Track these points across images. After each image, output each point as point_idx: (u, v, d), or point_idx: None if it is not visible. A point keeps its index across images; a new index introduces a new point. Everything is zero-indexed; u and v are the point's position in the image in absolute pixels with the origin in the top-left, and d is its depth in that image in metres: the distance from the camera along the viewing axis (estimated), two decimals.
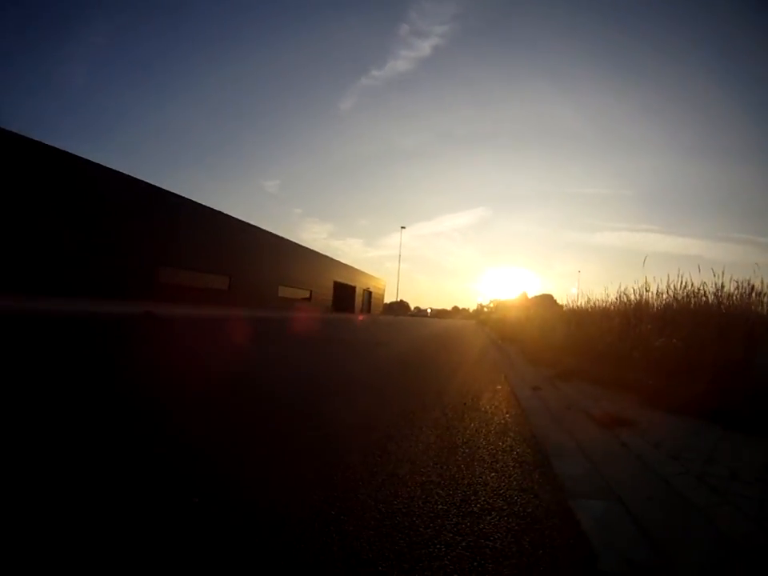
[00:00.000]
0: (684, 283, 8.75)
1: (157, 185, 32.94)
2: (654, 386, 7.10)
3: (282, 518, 2.52)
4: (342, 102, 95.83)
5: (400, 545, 2.33)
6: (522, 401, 7.29)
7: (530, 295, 26.34)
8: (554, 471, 3.69)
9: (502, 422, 5.33)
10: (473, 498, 2.98)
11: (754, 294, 7.75)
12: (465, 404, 6.12)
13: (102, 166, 28.05)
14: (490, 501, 2.95)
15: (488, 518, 2.70)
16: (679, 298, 8.78)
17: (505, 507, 2.85)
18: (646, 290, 9.82)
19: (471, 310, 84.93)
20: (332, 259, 65.35)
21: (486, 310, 57.25)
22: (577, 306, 15.28)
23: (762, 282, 7.75)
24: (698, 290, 8.34)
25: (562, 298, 18.44)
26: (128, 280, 28.16)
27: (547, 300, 21.82)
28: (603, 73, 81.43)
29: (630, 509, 2.88)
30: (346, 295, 67.79)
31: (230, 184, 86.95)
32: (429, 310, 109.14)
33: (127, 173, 29.98)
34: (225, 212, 41.39)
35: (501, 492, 3.12)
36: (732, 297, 7.80)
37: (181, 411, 4.73)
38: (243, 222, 44.27)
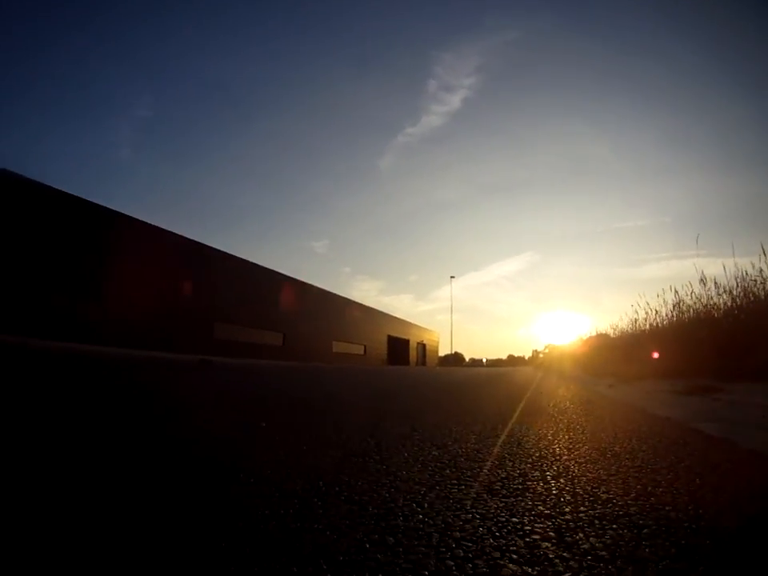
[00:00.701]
0: (742, 275, 8.83)
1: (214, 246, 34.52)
2: (724, 365, 7.24)
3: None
4: (381, 161, 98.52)
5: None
6: (602, 392, 7.44)
7: (585, 337, 25.76)
8: (661, 415, 4.06)
9: (604, 411, 5.43)
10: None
11: None
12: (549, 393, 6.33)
13: (163, 229, 29.71)
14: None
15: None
16: (735, 293, 8.85)
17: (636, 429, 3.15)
18: (703, 283, 9.76)
19: (527, 357, 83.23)
20: (385, 314, 65.84)
21: (541, 356, 56.14)
22: (635, 327, 15.02)
23: None
24: (754, 279, 8.39)
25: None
26: (186, 334, 29.12)
27: (603, 338, 21.57)
28: (630, 102, 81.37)
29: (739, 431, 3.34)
30: (401, 349, 67.77)
31: (281, 246, 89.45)
32: (484, 360, 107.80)
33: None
34: (279, 271, 42.64)
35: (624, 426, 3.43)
36: None
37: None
38: (296, 279, 45.42)
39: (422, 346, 78.04)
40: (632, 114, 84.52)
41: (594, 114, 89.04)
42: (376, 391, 7.72)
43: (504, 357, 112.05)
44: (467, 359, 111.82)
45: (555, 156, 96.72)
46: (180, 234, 31.61)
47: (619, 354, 14.69)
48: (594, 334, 23.04)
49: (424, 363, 74.83)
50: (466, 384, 11.40)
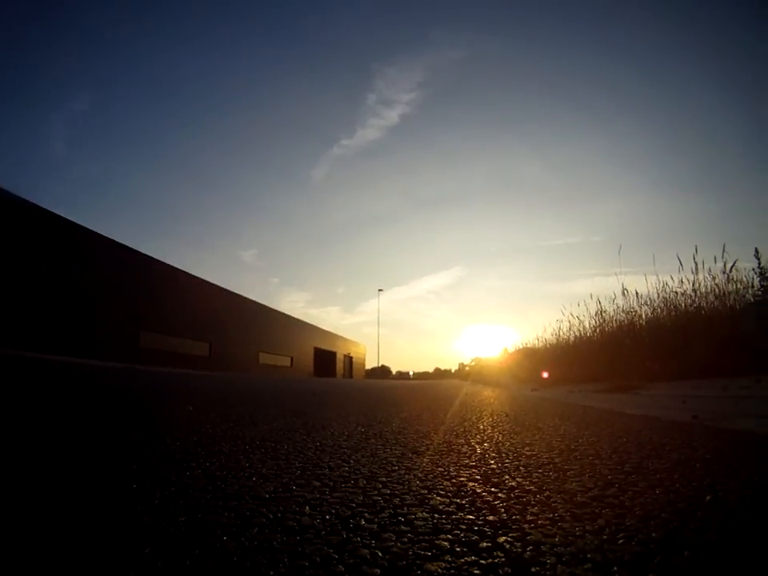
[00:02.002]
0: (663, 287, 9.32)
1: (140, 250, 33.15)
2: (649, 367, 7.65)
3: None
4: (314, 171, 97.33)
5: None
6: (526, 394, 7.68)
7: (511, 350, 26.27)
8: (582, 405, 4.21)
9: (527, 404, 5.63)
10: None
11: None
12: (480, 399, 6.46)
13: (88, 229, 28.22)
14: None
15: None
16: (656, 304, 9.41)
17: (559, 413, 3.24)
18: (625, 295, 10.27)
19: (453, 370, 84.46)
20: (312, 325, 65.13)
21: (467, 368, 57.05)
22: (559, 337, 15.49)
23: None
24: (675, 291, 8.95)
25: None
26: (111, 342, 27.79)
27: (528, 350, 22.16)
28: (565, 123, 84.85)
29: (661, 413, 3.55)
30: (327, 361, 67.11)
31: (208, 254, 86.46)
32: (411, 373, 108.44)
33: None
34: (205, 279, 41.50)
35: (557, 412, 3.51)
36: (707, 295, 8.47)
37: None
38: (224, 289, 44.29)
39: (349, 359, 77.75)
40: (566, 135, 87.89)
41: (529, 134, 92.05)
42: (304, 391, 7.61)
43: (431, 370, 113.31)
44: (394, 372, 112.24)
45: (489, 174, 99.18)
46: (106, 235, 30.11)
47: (543, 362, 15.12)
48: (520, 346, 23.53)
49: (351, 376, 74.52)
50: (395, 388, 11.46)
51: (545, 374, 13.79)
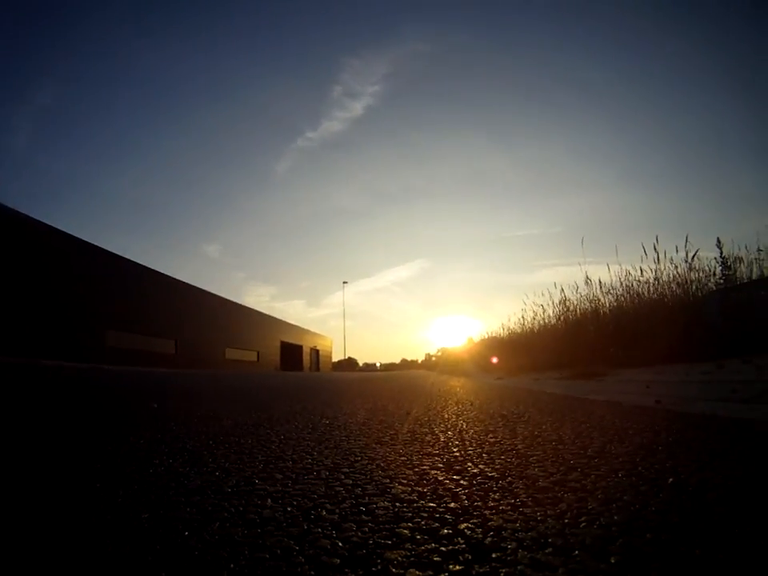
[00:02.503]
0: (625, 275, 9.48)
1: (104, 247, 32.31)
2: (613, 354, 7.81)
3: None
4: (278, 164, 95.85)
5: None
6: (491, 382, 7.76)
7: (476, 339, 26.44)
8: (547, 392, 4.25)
9: (492, 392, 5.71)
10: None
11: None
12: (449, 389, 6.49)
13: (50, 226, 27.33)
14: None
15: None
16: (620, 292, 9.60)
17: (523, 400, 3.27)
18: (588, 283, 10.41)
19: (420, 361, 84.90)
20: (278, 319, 64.52)
21: (433, 359, 57.34)
22: (524, 326, 15.62)
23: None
24: (638, 280, 9.11)
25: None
26: (77, 342, 27.11)
27: (492, 339, 22.32)
28: (530, 118, 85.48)
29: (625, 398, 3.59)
30: (294, 355, 66.66)
31: (171, 249, 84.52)
32: (378, 364, 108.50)
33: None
34: (169, 275, 40.74)
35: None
36: (670, 284, 8.64)
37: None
38: (189, 285, 43.56)
39: (316, 352, 77.42)
40: (531, 131, 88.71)
41: (495, 129, 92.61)
42: (269, 385, 7.56)
43: (398, 361, 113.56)
44: (361, 364, 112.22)
45: (453, 167, 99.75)
46: (70, 233, 29.21)
47: (507, 351, 15.27)
48: (485, 336, 23.69)
49: (318, 369, 74.19)
50: (362, 381, 11.47)
51: (494, 359, 14.05)
